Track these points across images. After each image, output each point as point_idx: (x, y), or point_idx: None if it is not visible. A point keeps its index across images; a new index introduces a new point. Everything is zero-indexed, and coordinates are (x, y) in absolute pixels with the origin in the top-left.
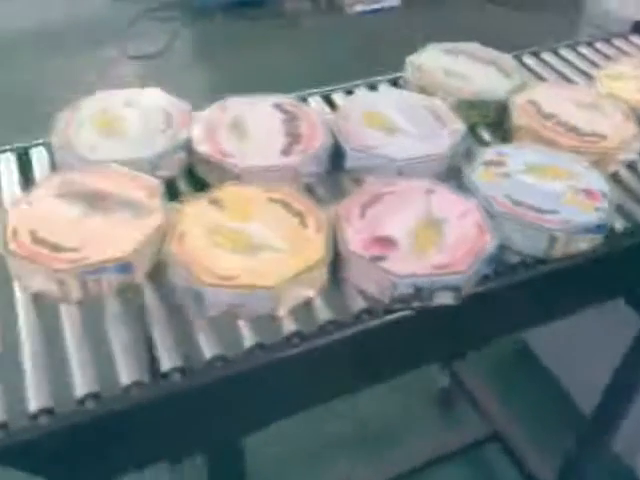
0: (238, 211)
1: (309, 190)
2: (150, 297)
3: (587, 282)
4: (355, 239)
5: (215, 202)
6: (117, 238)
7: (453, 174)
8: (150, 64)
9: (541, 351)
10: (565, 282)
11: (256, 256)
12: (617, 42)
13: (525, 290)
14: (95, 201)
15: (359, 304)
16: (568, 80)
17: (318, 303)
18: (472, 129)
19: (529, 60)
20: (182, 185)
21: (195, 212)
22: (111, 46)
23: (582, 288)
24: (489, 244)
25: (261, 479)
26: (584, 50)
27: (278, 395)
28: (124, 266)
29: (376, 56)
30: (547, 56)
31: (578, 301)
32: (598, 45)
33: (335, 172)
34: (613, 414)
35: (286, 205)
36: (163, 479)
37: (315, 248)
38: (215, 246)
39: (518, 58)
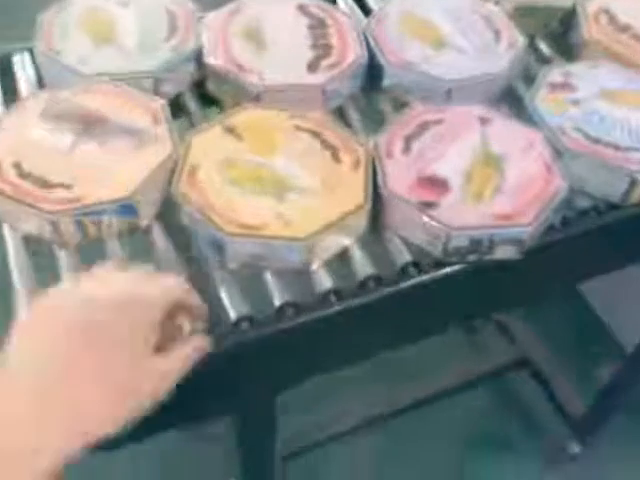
0: (259, 142)
1: (340, 113)
2: (160, 242)
3: None
4: (399, 179)
5: (231, 130)
6: (117, 173)
7: (509, 97)
8: None
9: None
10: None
11: (283, 199)
12: None
13: (595, 239)
14: (89, 126)
15: (404, 257)
16: None
17: (357, 254)
18: (529, 41)
19: None
20: (190, 103)
21: (207, 142)
22: None
23: None
24: (559, 189)
25: None
26: None
27: (312, 355)
28: (127, 207)
29: None
30: None
31: None
32: None
33: (370, 90)
34: None
35: (316, 135)
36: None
37: (352, 190)
38: (233, 184)
39: None
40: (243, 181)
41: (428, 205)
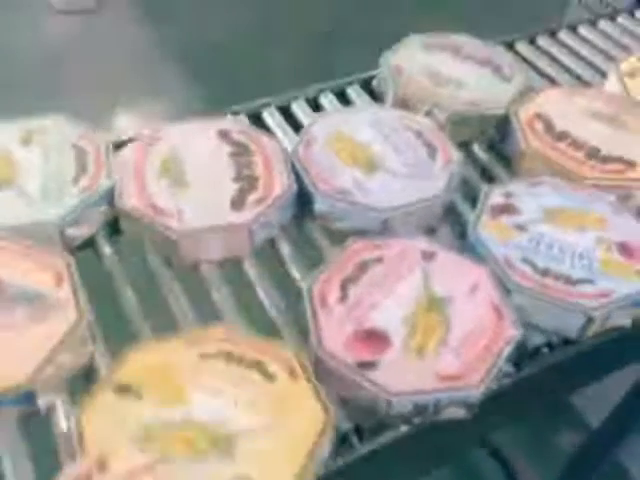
0: (166, 393)
1: (271, 245)
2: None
3: (621, 353)
4: (334, 334)
5: (125, 389)
6: (10, 353)
7: (448, 213)
8: (83, 21)
9: None
10: (595, 359)
11: (232, 454)
12: (623, 20)
13: (548, 376)
14: None
15: (344, 422)
16: (573, 75)
17: None
18: (465, 148)
19: (523, 48)
20: (102, 243)
21: (101, 413)
22: None
23: (615, 359)
24: (510, 339)
25: None
26: (585, 32)
27: None
28: (23, 396)
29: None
30: (543, 41)
31: (607, 370)
32: (602, 25)
33: (302, 217)
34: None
35: (231, 357)
36: None
37: (304, 413)
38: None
39: (509, 45)
40: (168, 451)
41: (366, 366)
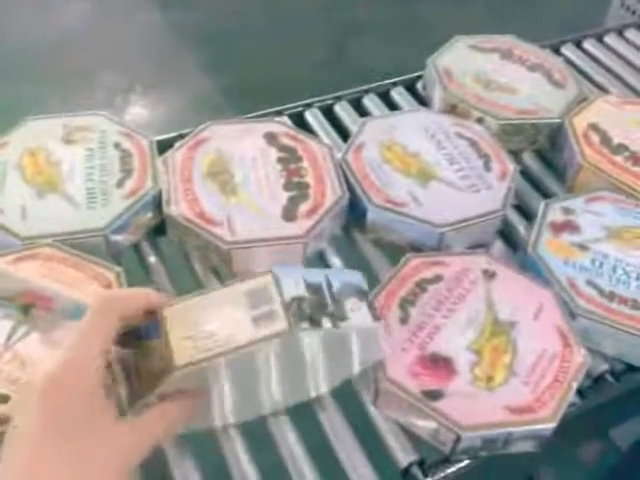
0: None
1: (320, 257)
2: None
3: None
4: (397, 360)
5: None
6: None
7: (502, 226)
8: (97, 5)
9: None
10: None
11: None
12: None
13: (615, 406)
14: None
15: (407, 455)
16: (622, 81)
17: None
18: (513, 155)
19: (569, 52)
20: (148, 252)
21: None
22: None
23: None
24: (580, 366)
25: None
26: (631, 35)
27: None
28: None
29: None
30: (590, 45)
31: None
32: None
33: (351, 227)
34: None
35: None
36: None
37: None
38: None
39: (554, 48)
40: None
41: (432, 395)
